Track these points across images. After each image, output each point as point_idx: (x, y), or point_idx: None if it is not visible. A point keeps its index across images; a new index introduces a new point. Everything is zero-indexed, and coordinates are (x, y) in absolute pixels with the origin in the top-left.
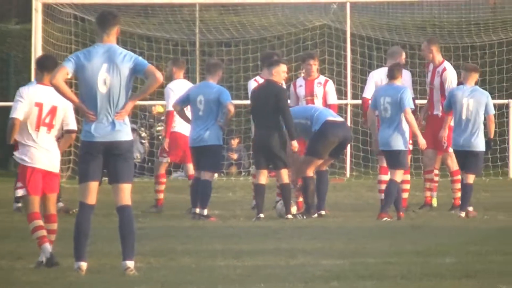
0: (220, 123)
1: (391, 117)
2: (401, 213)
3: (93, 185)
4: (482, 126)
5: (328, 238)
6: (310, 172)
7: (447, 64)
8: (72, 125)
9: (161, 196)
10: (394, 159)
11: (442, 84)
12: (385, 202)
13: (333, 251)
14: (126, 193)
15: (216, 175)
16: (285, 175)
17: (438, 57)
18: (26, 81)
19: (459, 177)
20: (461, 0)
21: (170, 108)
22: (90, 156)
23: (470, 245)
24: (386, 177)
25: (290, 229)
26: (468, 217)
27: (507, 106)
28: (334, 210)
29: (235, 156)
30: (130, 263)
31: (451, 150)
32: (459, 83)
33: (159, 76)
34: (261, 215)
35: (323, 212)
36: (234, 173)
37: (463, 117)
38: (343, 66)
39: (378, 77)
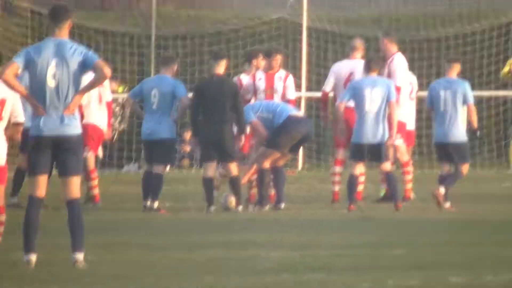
0: (174, 117)
1: (378, 111)
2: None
3: (42, 179)
4: (461, 117)
5: (280, 230)
6: (267, 164)
7: (396, 56)
8: (21, 117)
9: (96, 191)
10: (379, 151)
11: (389, 75)
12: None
13: (284, 243)
14: (74, 186)
15: (168, 168)
16: (234, 168)
17: (392, 49)
18: None
19: (409, 168)
20: None
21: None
22: (39, 150)
23: (420, 237)
24: (340, 169)
25: (241, 221)
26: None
27: None
28: (286, 203)
29: (188, 149)
30: (80, 256)
31: (398, 143)
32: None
33: (107, 71)
34: (212, 208)
35: (282, 206)
36: (187, 165)
37: (441, 109)
38: (298, 59)
39: (338, 70)
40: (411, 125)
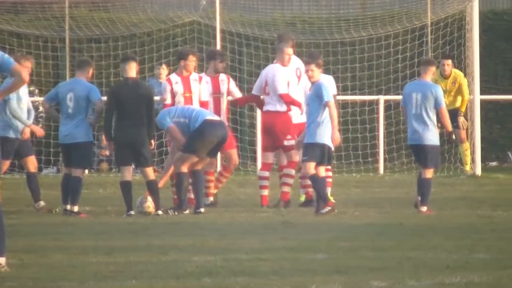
0: (90, 120)
1: (313, 111)
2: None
3: None
4: (431, 120)
5: (200, 234)
6: (184, 169)
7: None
8: None
9: None
10: (321, 151)
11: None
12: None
13: (205, 247)
14: None
15: (86, 171)
16: (150, 172)
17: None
18: None
19: (285, 171)
20: None
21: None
22: None
23: (341, 241)
24: (266, 174)
25: (161, 225)
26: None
27: (377, 102)
28: (204, 207)
29: (106, 152)
30: (1, 260)
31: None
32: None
33: (25, 75)
34: (132, 212)
35: (202, 210)
36: (105, 169)
37: (413, 111)
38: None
39: (265, 74)
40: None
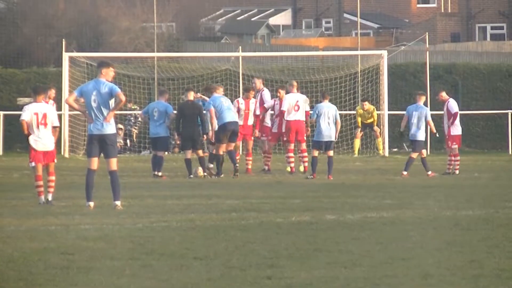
0: (167, 123)
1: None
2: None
3: (94, 159)
4: (423, 125)
5: (230, 188)
6: (221, 151)
7: (265, 90)
8: (56, 123)
9: None
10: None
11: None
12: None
13: (233, 195)
14: (113, 163)
15: (166, 153)
16: (200, 152)
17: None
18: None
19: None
20: None
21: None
22: (91, 142)
23: (310, 192)
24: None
25: (208, 183)
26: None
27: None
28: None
29: (177, 141)
30: (118, 202)
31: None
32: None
33: (123, 97)
34: (191, 176)
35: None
36: (176, 152)
37: (412, 121)
38: (238, 92)
39: (289, 99)
40: None
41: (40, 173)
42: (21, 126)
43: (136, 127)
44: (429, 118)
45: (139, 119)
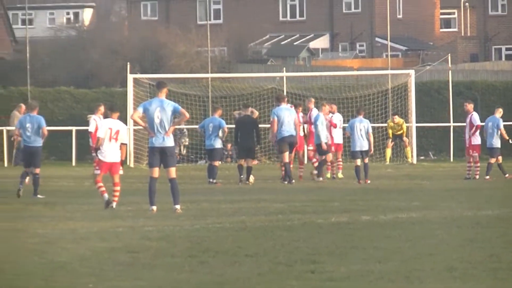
0: (220, 137)
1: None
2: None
3: (156, 169)
4: (497, 134)
5: (276, 193)
6: (286, 159)
7: (314, 110)
8: (125, 140)
9: None
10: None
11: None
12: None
13: (278, 199)
14: (173, 172)
15: (219, 162)
16: (253, 162)
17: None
18: (124, 119)
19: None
20: None
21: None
22: (153, 154)
23: (349, 195)
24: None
25: (256, 189)
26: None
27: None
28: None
29: (230, 152)
30: (178, 206)
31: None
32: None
33: (187, 114)
34: (242, 180)
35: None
36: (228, 161)
37: (355, 135)
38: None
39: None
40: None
41: (100, 178)
42: (92, 138)
43: (184, 140)
44: (501, 127)
45: (185, 131)
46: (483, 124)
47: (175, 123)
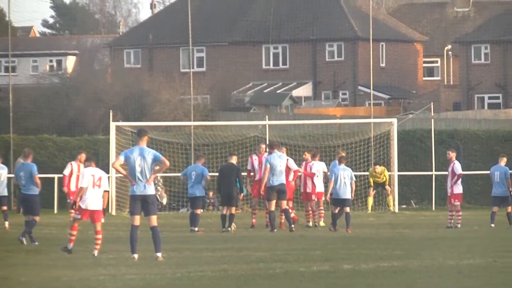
0: (203, 184)
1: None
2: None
3: (137, 217)
4: (349, 186)
5: (270, 241)
6: (272, 208)
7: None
8: (107, 187)
9: None
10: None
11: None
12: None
13: (265, 248)
14: (154, 220)
15: (201, 210)
16: (234, 210)
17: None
18: (108, 166)
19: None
20: None
21: None
22: (134, 202)
23: (332, 245)
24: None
25: (245, 237)
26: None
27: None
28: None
29: (212, 201)
30: (159, 254)
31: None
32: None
33: (167, 162)
34: (227, 229)
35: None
36: (210, 209)
37: (338, 183)
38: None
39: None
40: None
41: (77, 224)
42: (63, 181)
43: (160, 188)
44: (508, 176)
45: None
46: (465, 172)
47: (156, 171)
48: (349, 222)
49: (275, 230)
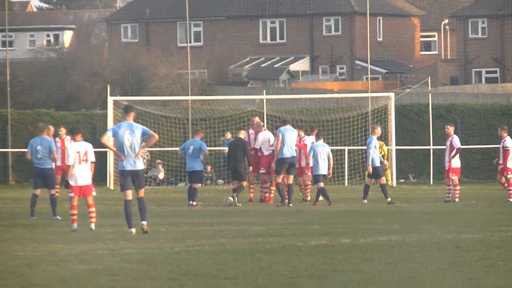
0: (201, 159)
1: None
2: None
3: (129, 191)
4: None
5: (264, 216)
6: (280, 180)
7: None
8: (93, 158)
9: None
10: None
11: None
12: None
13: (257, 223)
14: (142, 192)
15: (199, 184)
16: (245, 183)
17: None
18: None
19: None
20: None
21: None
22: (124, 177)
23: (327, 219)
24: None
25: (237, 211)
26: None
27: (343, 151)
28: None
29: (210, 175)
30: (144, 222)
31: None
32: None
33: (156, 136)
34: (230, 199)
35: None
36: (208, 184)
37: (318, 158)
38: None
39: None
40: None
41: (76, 203)
42: (66, 169)
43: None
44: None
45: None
46: (463, 147)
47: (145, 145)
48: (319, 196)
49: (287, 203)
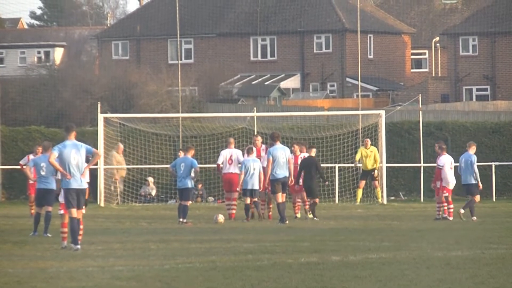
0: (192, 177)
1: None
2: None
3: (73, 210)
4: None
5: (259, 233)
6: (279, 199)
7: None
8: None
9: None
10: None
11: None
12: None
13: (252, 240)
14: (80, 213)
15: (190, 202)
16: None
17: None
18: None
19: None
20: None
21: None
22: (69, 195)
23: (319, 236)
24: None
25: (230, 229)
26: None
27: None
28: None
29: (200, 192)
30: (78, 246)
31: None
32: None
33: (100, 154)
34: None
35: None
36: (199, 201)
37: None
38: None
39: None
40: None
41: (66, 220)
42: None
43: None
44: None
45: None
46: (457, 164)
47: (90, 164)
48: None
49: (287, 221)
